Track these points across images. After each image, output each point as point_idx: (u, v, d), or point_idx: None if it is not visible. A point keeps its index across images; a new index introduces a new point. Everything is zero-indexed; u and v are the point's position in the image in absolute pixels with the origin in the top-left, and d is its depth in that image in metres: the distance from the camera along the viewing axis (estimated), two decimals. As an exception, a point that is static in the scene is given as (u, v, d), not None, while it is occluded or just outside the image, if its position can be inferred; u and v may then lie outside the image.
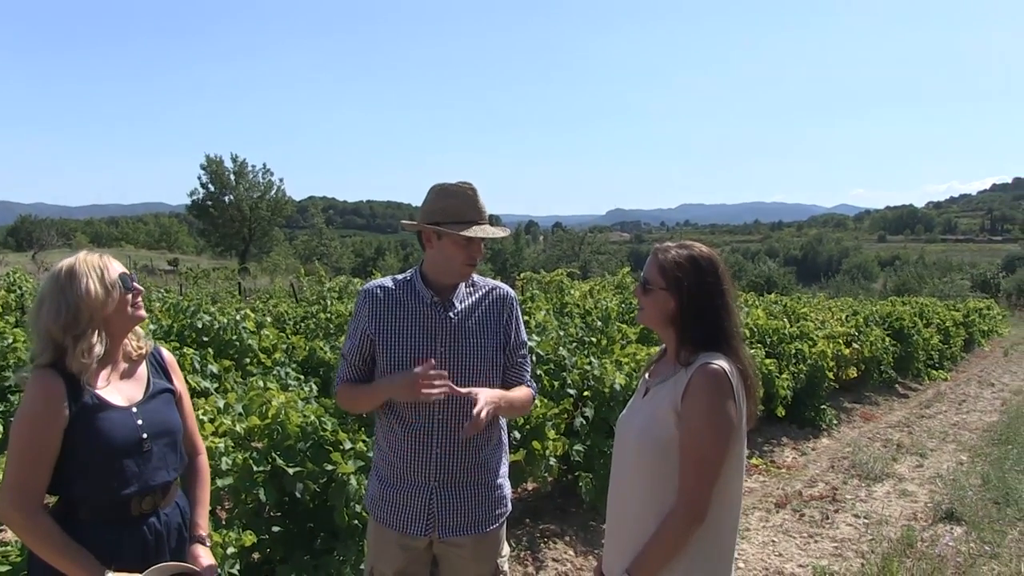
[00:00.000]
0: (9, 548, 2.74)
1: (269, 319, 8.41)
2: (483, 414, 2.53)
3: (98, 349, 2.24)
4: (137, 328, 2.42)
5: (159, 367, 2.50)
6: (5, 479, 2.17)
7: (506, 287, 2.93)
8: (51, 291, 2.24)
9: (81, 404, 2.20)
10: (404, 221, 2.98)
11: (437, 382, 2.55)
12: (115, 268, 2.33)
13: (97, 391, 2.25)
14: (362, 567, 3.22)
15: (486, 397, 2.59)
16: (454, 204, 2.71)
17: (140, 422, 2.30)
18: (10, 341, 5.57)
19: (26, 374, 2.24)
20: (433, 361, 2.60)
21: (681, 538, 2.17)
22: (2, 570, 2.64)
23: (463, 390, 2.60)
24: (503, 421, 2.97)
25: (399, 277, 2.88)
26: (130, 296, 2.33)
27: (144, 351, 2.45)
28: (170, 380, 2.50)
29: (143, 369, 2.43)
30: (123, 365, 2.37)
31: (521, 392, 2.87)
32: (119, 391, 2.31)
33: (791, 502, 6.75)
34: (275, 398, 3.83)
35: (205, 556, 2.45)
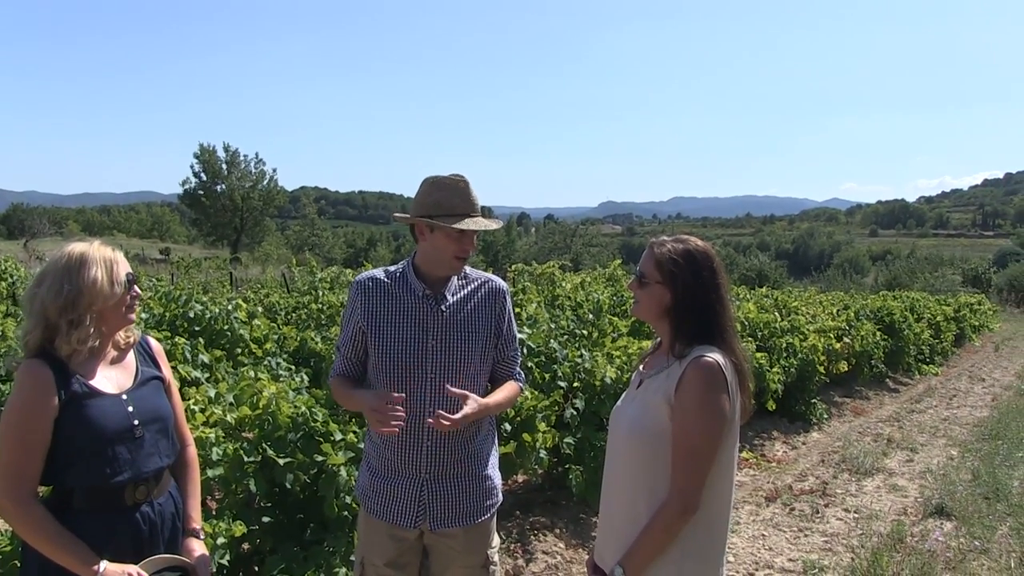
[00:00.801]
0: (0, 538, 2.72)
1: (260, 309, 8.40)
2: (458, 416, 2.54)
3: (91, 340, 2.24)
4: None
5: (147, 355, 2.49)
6: None
7: (499, 280, 2.93)
8: (56, 270, 2.23)
9: (71, 392, 2.19)
10: (396, 213, 2.97)
11: (393, 422, 2.51)
12: (123, 266, 2.33)
13: (86, 379, 2.24)
14: (352, 558, 3.21)
15: (469, 410, 2.58)
16: (446, 196, 2.71)
17: (131, 409, 2.29)
18: (0, 330, 5.54)
19: (17, 361, 2.23)
20: (403, 396, 2.59)
21: (673, 530, 2.18)
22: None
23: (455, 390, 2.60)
24: None
25: (391, 269, 2.88)
26: (128, 298, 2.33)
27: (132, 340, 2.44)
28: (158, 368, 2.50)
29: (131, 357, 2.43)
30: (112, 353, 2.37)
31: (507, 391, 2.88)
32: (108, 379, 2.31)
33: (781, 496, 6.76)
34: (266, 388, 3.82)
35: (199, 548, 2.45)
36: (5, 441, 2.16)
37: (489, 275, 2.95)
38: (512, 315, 2.94)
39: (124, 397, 2.30)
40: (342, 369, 2.87)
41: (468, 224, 2.68)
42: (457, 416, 2.53)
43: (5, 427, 2.16)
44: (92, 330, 2.24)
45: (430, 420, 2.54)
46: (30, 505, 2.15)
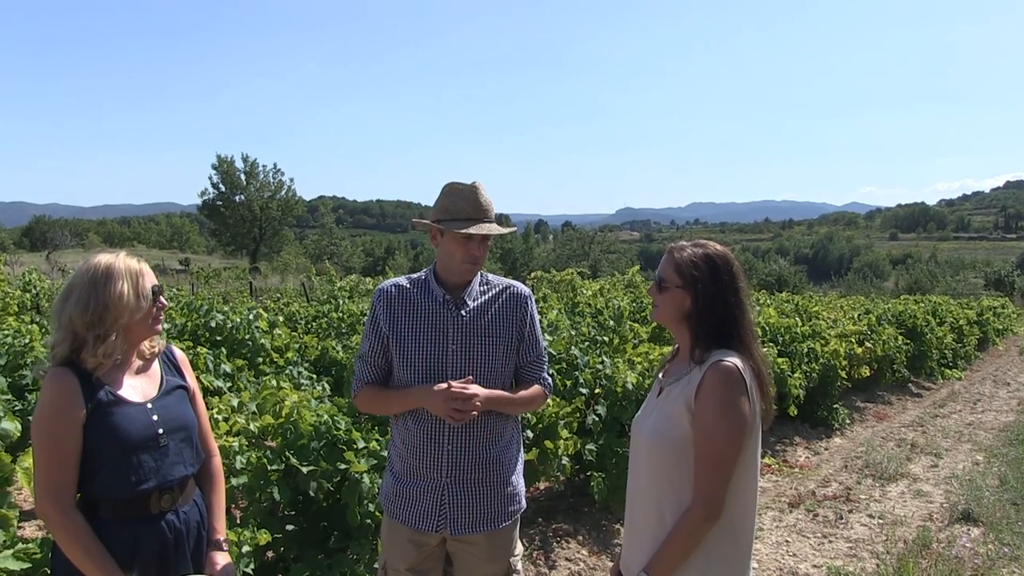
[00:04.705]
0: (30, 546, 2.74)
1: (281, 318, 8.44)
2: (471, 391, 2.63)
3: (117, 353, 2.26)
4: None
5: (172, 365, 2.51)
6: (37, 479, 2.19)
7: (522, 286, 2.94)
8: (83, 284, 2.24)
9: (96, 401, 2.21)
10: (415, 219, 3.00)
11: (465, 407, 2.62)
12: (149, 278, 2.34)
13: (112, 388, 2.26)
14: (376, 565, 3.22)
15: (484, 393, 2.69)
16: (455, 202, 2.74)
17: (155, 417, 2.31)
18: (27, 340, 5.59)
19: (43, 371, 2.25)
20: (472, 379, 2.68)
21: (697, 536, 2.17)
22: (23, 567, 2.64)
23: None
24: (517, 419, 2.98)
25: (414, 276, 2.91)
26: (154, 310, 2.34)
27: (157, 349, 2.46)
28: (183, 377, 2.51)
29: (156, 366, 2.44)
30: (137, 363, 2.38)
31: (529, 391, 2.89)
32: (134, 388, 2.32)
33: (804, 502, 6.72)
34: (288, 397, 3.84)
35: (222, 560, 2.47)
36: (39, 450, 2.18)
37: (512, 281, 2.96)
38: (536, 320, 2.94)
39: (149, 406, 2.31)
40: (370, 377, 2.88)
41: (471, 229, 2.70)
42: (473, 390, 2.64)
43: (37, 437, 2.18)
44: (118, 344, 2.26)
45: (457, 383, 2.63)
46: (72, 512, 2.17)
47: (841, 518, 6.34)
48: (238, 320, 6.85)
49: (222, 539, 2.50)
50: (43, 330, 5.92)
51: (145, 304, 2.29)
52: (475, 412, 2.64)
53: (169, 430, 2.33)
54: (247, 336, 6.76)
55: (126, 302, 2.24)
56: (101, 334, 2.21)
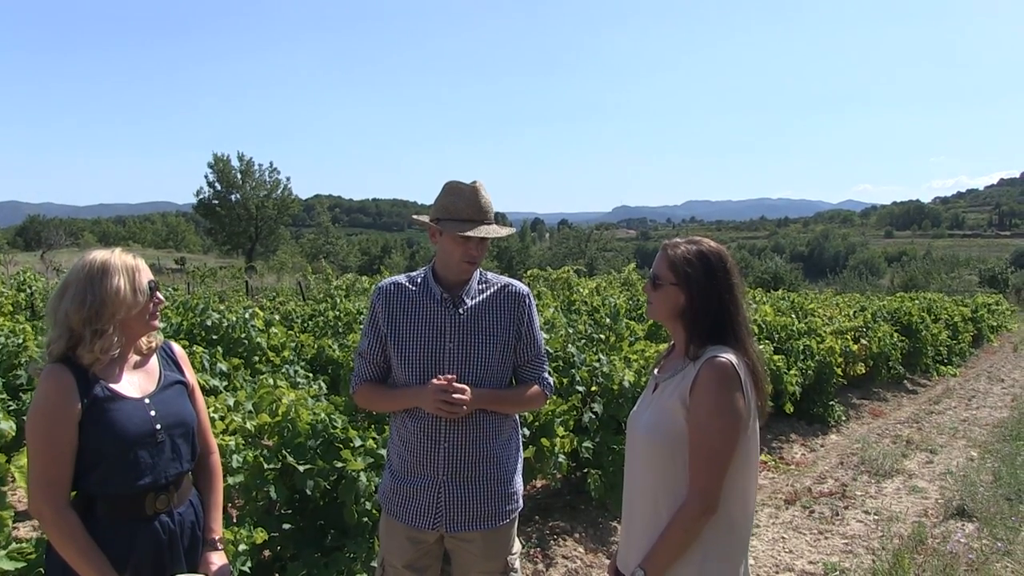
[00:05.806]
0: (24, 545, 2.74)
1: (277, 317, 8.43)
2: (457, 385, 2.64)
3: (114, 349, 2.25)
4: None
5: (170, 360, 2.50)
6: (31, 476, 2.17)
7: (520, 285, 2.94)
8: (79, 280, 2.23)
9: (92, 397, 2.20)
10: (415, 216, 3.00)
11: (456, 396, 2.62)
12: (146, 273, 2.34)
13: (109, 384, 2.25)
14: (373, 564, 3.23)
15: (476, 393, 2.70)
16: (455, 202, 2.74)
17: (153, 413, 2.30)
18: (21, 340, 5.58)
19: (39, 368, 2.24)
20: (453, 377, 2.66)
21: (693, 530, 2.17)
22: (18, 566, 2.64)
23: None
24: (516, 417, 2.98)
25: (413, 274, 2.92)
26: (151, 305, 2.34)
27: (155, 345, 2.45)
28: (182, 373, 2.50)
29: (154, 362, 2.43)
30: (135, 358, 2.37)
31: (521, 389, 2.90)
32: (131, 383, 2.31)
33: (800, 499, 6.73)
34: (285, 396, 3.83)
35: (218, 560, 2.46)
36: (34, 447, 2.17)
37: (511, 280, 2.96)
38: (535, 320, 2.95)
39: (147, 401, 2.30)
40: (369, 375, 2.89)
41: (468, 231, 2.71)
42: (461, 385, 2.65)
43: (32, 434, 2.17)
44: (115, 339, 2.25)
45: (441, 377, 2.64)
46: (66, 511, 2.16)
47: (837, 514, 6.36)
48: (234, 319, 6.84)
49: (218, 538, 2.49)
50: (36, 330, 5.91)
51: (142, 299, 2.29)
52: (465, 407, 2.64)
53: (167, 426, 2.32)
54: (243, 335, 6.75)
55: (123, 297, 2.23)
56: (98, 330, 2.20)
